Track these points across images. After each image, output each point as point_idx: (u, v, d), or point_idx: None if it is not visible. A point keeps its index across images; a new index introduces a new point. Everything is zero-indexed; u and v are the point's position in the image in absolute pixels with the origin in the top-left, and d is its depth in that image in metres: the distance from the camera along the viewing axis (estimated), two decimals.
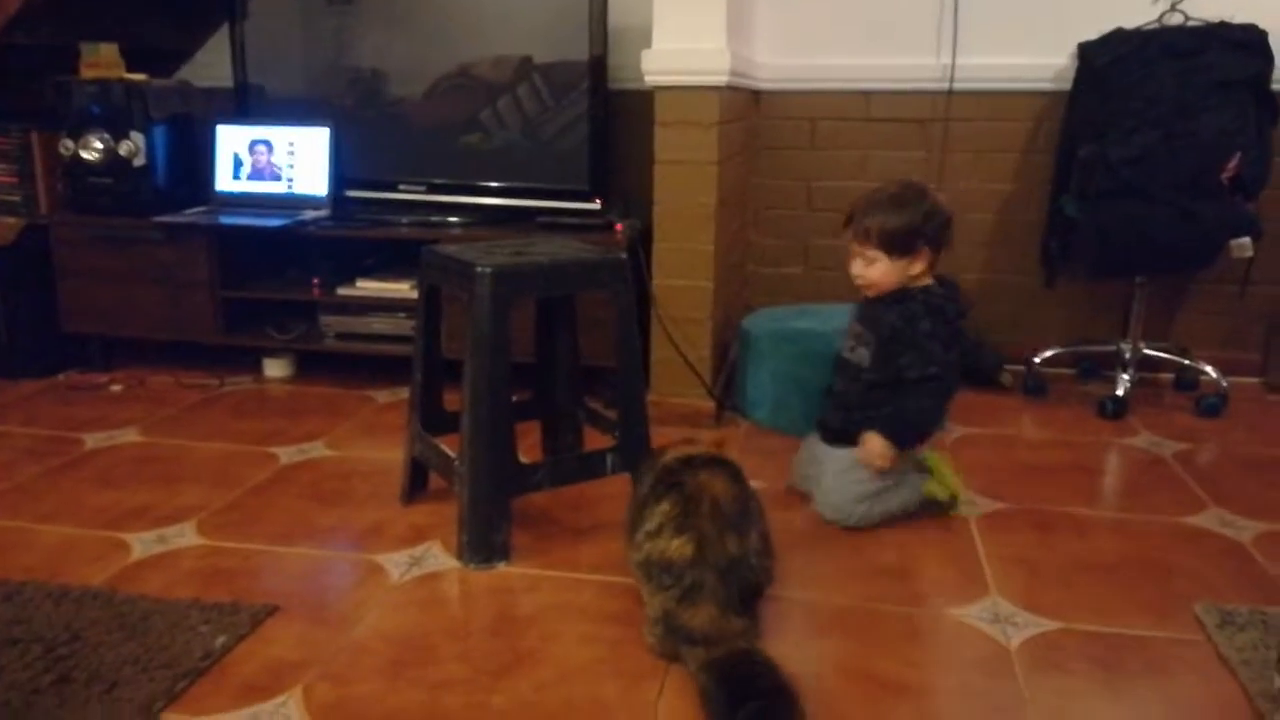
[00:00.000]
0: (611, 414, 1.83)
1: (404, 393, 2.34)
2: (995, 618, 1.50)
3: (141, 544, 1.70)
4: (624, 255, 1.74)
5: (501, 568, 1.64)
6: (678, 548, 1.29)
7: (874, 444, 1.77)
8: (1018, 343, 2.79)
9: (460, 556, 1.65)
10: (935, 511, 1.83)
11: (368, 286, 2.55)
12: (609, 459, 1.74)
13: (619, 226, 2.37)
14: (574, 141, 2.50)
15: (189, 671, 1.30)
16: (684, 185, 2.22)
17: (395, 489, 1.93)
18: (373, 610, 1.50)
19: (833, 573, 1.64)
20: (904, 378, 1.76)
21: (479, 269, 1.57)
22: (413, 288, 2.45)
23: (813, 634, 1.44)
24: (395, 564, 1.65)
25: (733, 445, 2.10)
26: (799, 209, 2.82)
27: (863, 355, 1.83)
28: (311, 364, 2.74)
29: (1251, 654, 1.39)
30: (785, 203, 2.84)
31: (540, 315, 1.99)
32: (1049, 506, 1.90)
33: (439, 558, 1.67)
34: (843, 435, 1.85)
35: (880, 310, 1.80)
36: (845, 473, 1.79)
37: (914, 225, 1.74)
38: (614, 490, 1.94)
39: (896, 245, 1.75)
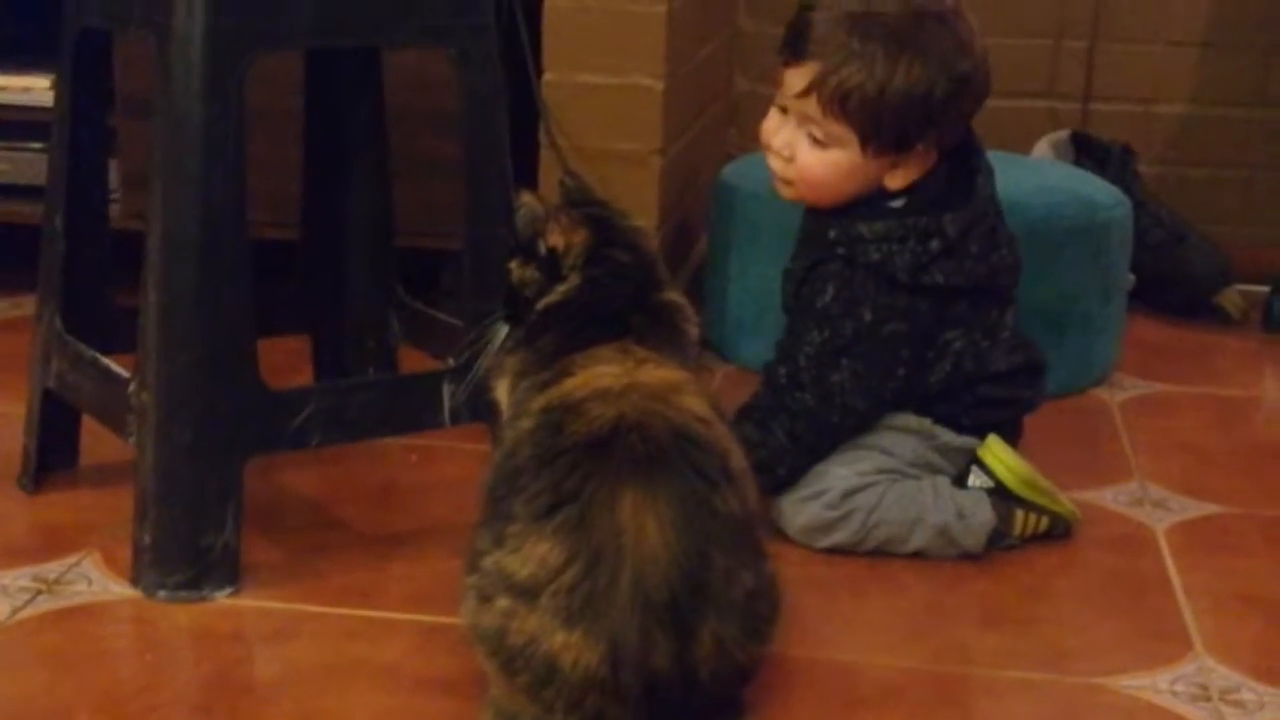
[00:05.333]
0: (454, 317, 1.82)
1: (29, 303, 2.30)
2: (1203, 691, 1.51)
3: None
4: None
5: (222, 599, 1.61)
6: (570, 650, 1.28)
7: None
8: (1256, 237, 2.83)
9: (137, 578, 1.61)
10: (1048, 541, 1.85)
11: None
12: (446, 390, 1.72)
13: None
14: None
15: None
16: None
17: (9, 462, 1.88)
18: None
19: (899, 616, 1.66)
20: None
21: None
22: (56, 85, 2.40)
23: None
24: (4, 593, 1.61)
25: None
26: None
27: None
28: None
29: None
30: None
31: (314, 141, 1.97)
32: None
33: (95, 580, 1.64)
34: None
35: (804, 247, 1.85)
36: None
37: (934, 100, 1.72)
38: (455, 468, 1.92)
39: (886, 131, 1.73)
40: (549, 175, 2.29)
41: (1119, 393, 2.36)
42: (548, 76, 2.28)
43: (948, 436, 1.82)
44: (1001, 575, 1.75)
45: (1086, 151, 2.73)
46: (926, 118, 1.72)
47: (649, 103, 2.28)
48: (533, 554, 1.30)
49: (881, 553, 1.77)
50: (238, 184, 1.56)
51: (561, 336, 1.45)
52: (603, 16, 2.25)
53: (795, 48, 1.76)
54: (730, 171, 2.47)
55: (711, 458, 1.36)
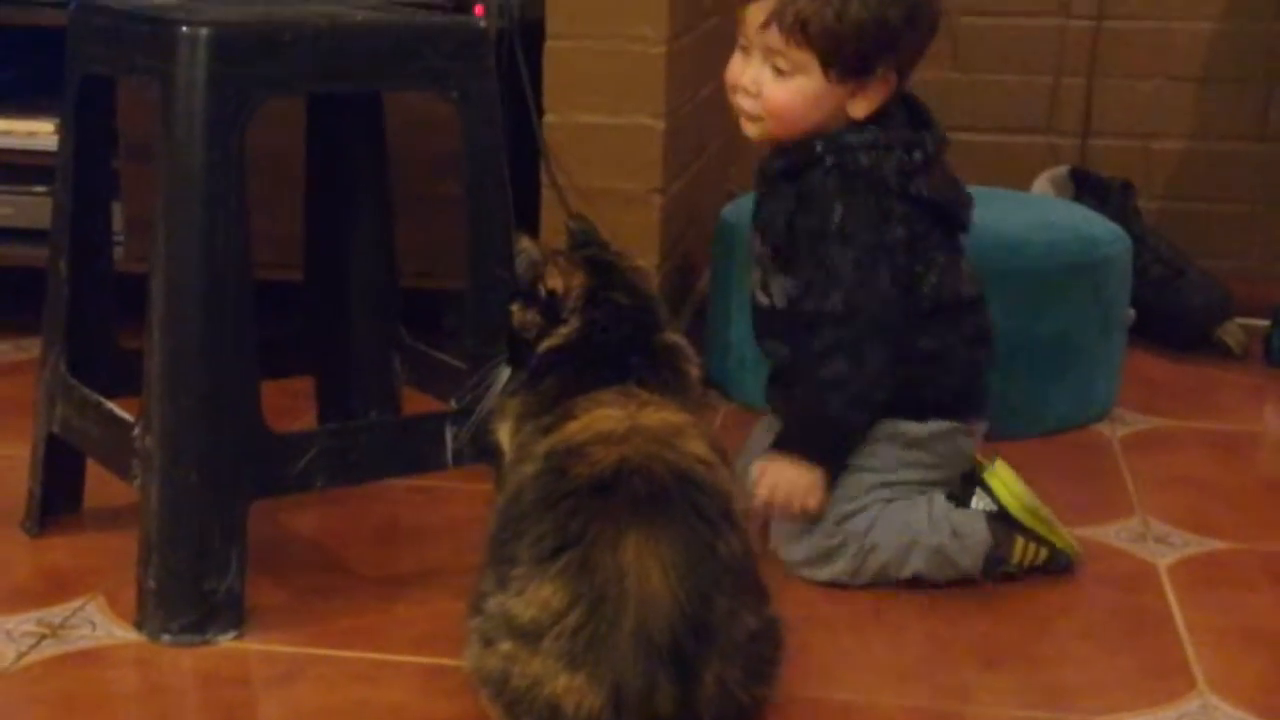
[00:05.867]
0: (456, 358, 1.82)
1: (33, 346, 2.32)
2: None
3: None
4: (483, 25, 1.72)
5: (226, 642, 1.61)
6: (573, 694, 1.30)
7: (777, 472, 1.77)
8: (1256, 271, 2.83)
9: (141, 622, 1.62)
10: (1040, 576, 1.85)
11: None
12: (449, 432, 1.72)
13: (479, 9, 2.36)
14: None
15: None
16: None
17: (13, 506, 1.89)
18: None
19: (901, 655, 1.66)
20: (802, 315, 1.81)
21: (183, 30, 1.53)
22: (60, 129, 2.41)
23: None
24: (9, 638, 1.61)
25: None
26: None
27: (779, 288, 1.86)
28: None
29: None
30: None
31: (316, 182, 1.99)
32: None
33: (100, 624, 1.64)
34: None
35: (779, 186, 1.85)
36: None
37: (889, 25, 1.76)
38: (458, 509, 1.93)
39: (846, 55, 1.76)
40: (551, 215, 2.30)
41: (1120, 428, 2.36)
42: (548, 117, 2.29)
43: (911, 428, 1.81)
44: (1003, 613, 1.75)
45: (1086, 187, 2.74)
46: (885, 42, 1.75)
47: (649, 142, 2.29)
48: (536, 597, 1.31)
49: (880, 583, 1.77)
50: (241, 229, 1.57)
51: (563, 380, 1.46)
52: (603, 57, 2.27)
53: None
54: (731, 209, 2.46)
55: (714, 500, 1.37)
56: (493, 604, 1.35)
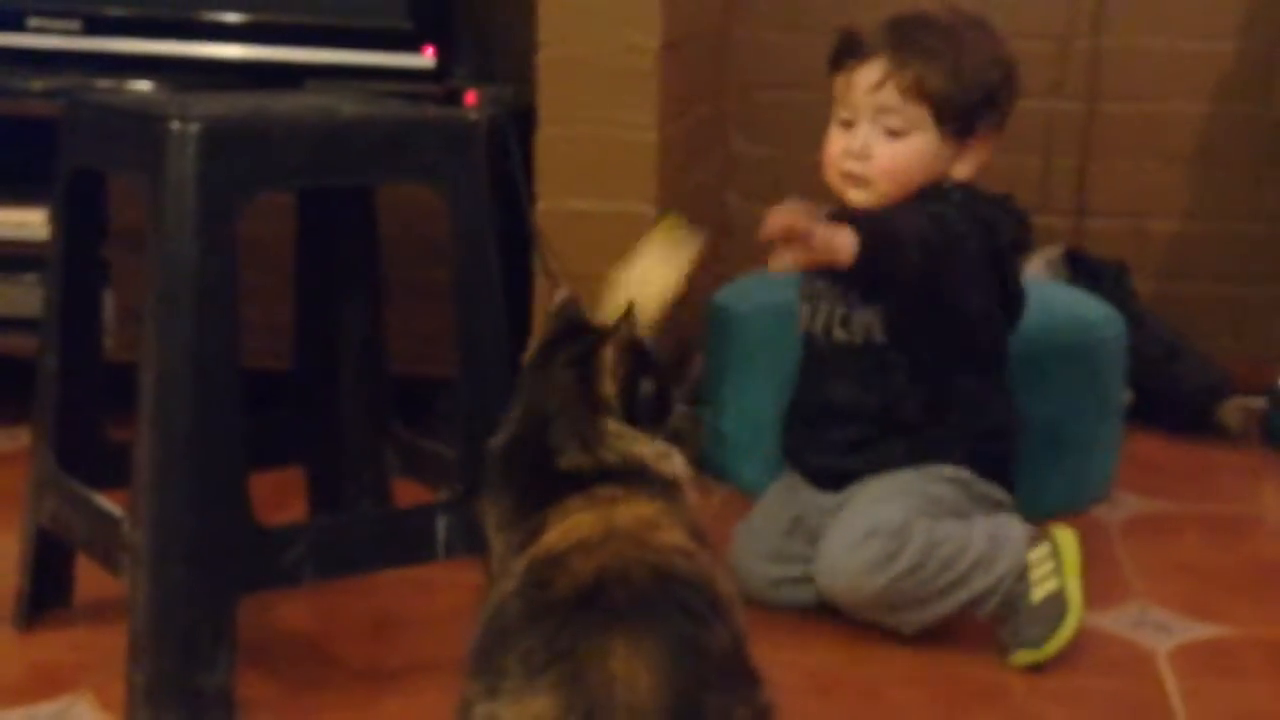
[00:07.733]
0: (447, 448, 1.84)
1: (23, 435, 2.33)
2: None
3: None
4: (473, 120, 1.75)
5: None
6: None
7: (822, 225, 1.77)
8: (1253, 352, 2.85)
9: (129, 718, 1.61)
10: None
11: None
12: (440, 523, 1.73)
13: (471, 97, 2.38)
14: None
15: None
16: (598, 10, 2.25)
17: (2, 600, 1.88)
18: None
19: None
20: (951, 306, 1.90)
21: (173, 125, 1.55)
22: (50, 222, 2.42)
23: None
24: None
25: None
26: (817, 85, 2.82)
27: (861, 323, 1.94)
28: None
29: None
30: (791, 74, 2.87)
31: (306, 271, 2.01)
32: None
33: None
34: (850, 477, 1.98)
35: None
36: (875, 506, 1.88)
37: (992, 82, 1.92)
38: (449, 601, 1.93)
39: (958, 113, 1.89)
40: (543, 301, 2.31)
41: (1118, 511, 2.36)
42: (540, 203, 2.31)
43: (981, 486, 1.93)
44: (1003, 704, 1.75)
45: (1081, 269, 2.76)
46: (988, 99, 1.90)
47: (642, 228, 2.29)
48: (528, 709, 1.31)
49: (925, 595, 1.81)
50: (231, 323, 1.59)
51: (521, 497, 1.47)
52: (594, 143, 2.29)
53: (860, 50, 1.91)
54: (724, 293, 2.48)
55: (697, 592, 1.37)
56: (481, 711, 1.35)
